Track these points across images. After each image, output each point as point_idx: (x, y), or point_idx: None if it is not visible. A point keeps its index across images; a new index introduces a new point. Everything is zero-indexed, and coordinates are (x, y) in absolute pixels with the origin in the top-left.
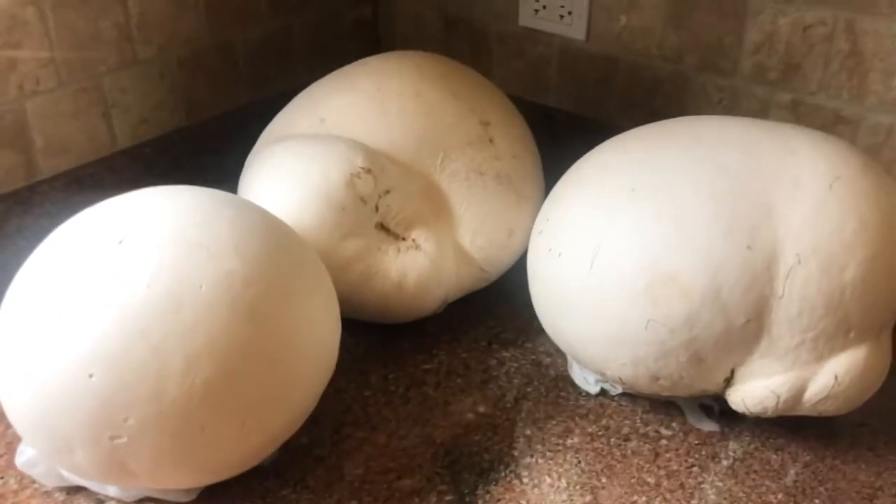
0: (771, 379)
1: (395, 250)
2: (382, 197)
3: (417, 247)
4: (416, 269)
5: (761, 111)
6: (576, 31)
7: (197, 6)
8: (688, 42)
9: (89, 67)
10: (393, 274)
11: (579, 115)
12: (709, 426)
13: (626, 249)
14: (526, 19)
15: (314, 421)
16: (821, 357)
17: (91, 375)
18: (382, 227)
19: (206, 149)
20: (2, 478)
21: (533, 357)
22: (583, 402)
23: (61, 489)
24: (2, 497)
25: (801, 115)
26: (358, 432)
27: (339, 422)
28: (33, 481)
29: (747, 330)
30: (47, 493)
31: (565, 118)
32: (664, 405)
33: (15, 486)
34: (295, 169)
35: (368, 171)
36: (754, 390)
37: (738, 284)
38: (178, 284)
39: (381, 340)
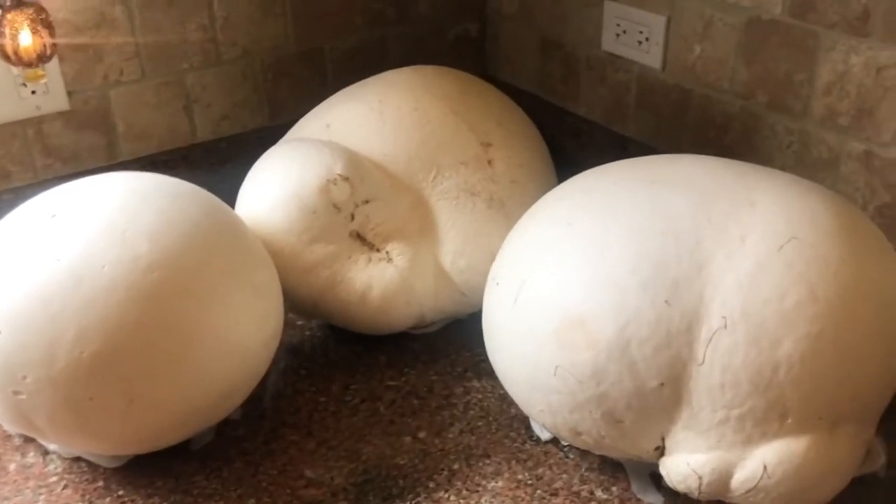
0: (694, 456)
1: (365, 260)
2: (360, 206)
3: (389, 260)
4: (384, 282)
5: (831, 162)
6: (653, 58)
7: (284, 14)
8: (758, 77)
9: (173, 64)
10: (358, 284)
11: (653, 147)
12: (652, 498)
13: (544, 287)
14: (608, 44)
15: (261, 416)
16: (749, 441)
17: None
18: (358, 236)
19: None
20: None
21: (501, 392)
22: (528, 447)
23: (20, 435)
24: None
25: (873, 170)
26: (293, 435)
27: (281, 421)
28: None
29: (662, 395)
30: (8, 437)
31: (639, 150)
32: (613, 466)
33: None
34: (277, 170)
35: (346, 178)
36: (678, 465)
37: (650, 341)
38: (83, 261)
39: (361, 351)
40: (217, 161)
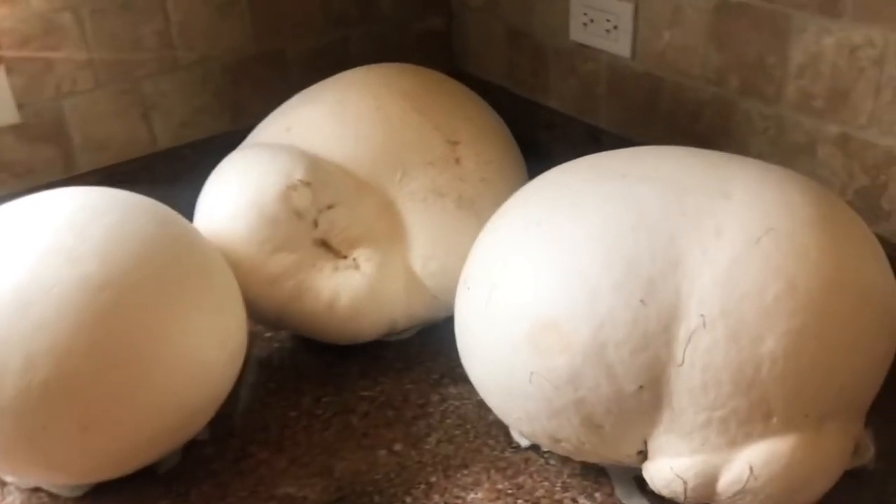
0: (677, 460)
1: (331, 268)
2: (324, 212)
3: (356, 267)
4: (351, 290)
5: (807, 146)
6: (622, 47)
7: (242, 16)
8: (730, 61)
9: (128, 71)
10: (325, 293)
11: (626, 138)
12: (637, 502)
13: (515, 289)
14: (576, 33)
15: (229, 434)
16: (733, 442)
17: None
18: (323, 243)
19: None
20: None
21: (479, 398)
22: (507, 455)
23: None
24: None
25: (851, 152)
26: (263, 452)
27: (251, 439)
28: None
29: (642, 398)
30: None
31: (612, 141)
32: (596, 472)
33: None
34: (234, 178)
35: (307, 184)
36: (662, 470)
37: (627, 343)
38: (29, 284)
39: (333, 361)
40: (180, 169)
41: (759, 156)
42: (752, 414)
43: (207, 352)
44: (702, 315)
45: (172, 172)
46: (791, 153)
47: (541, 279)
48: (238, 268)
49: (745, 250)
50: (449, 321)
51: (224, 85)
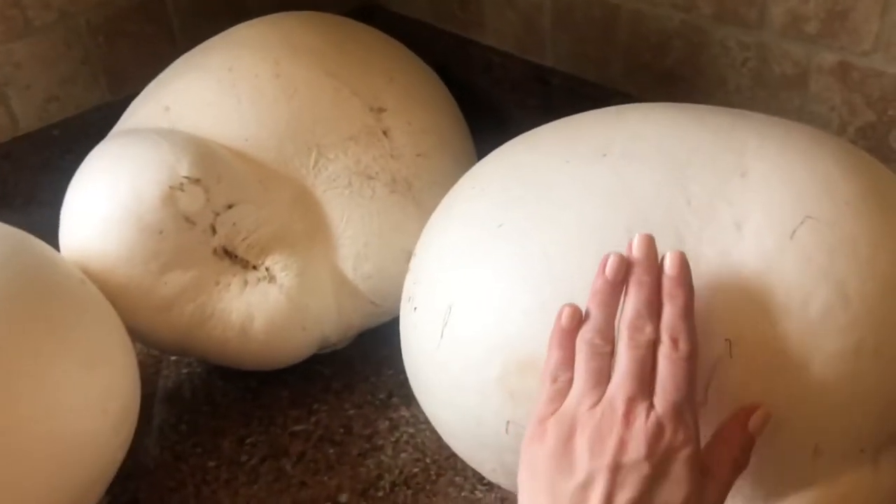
0: None
1: (239, 284)
2: (222, 213)
3: (271, 278)
4: (267, 308)
5: (798, 79)
6: None
7: None
8: None
9: None
10: (234, 316)
11: (579, 78)
12: None
13: (477, 316)
14: None
15: (134, 501)
16: (772, 493)
17: None
18: (226, 252)
19: None
20: None
21: None
22: (479, 496)
23: None
24: None
25: (852, 84)
26: None
27: (162, 502)
28: None
29: None
30: None
31: (562, 83)
32: None
33: None
34: (101, 180)
35: (196, 181)
36: None
37: None
38: None
39: (257, 387)
40: (50, 155)
41: (738, 91)
42: (795, 457)
43: (84, 418)
44: (727, 340)
45: (41, 160)
46: (778, 88)
47: (509, 304)
48: (120, 297)
49: (776, 249)
50: (394, 322)
51: (94, 47)
